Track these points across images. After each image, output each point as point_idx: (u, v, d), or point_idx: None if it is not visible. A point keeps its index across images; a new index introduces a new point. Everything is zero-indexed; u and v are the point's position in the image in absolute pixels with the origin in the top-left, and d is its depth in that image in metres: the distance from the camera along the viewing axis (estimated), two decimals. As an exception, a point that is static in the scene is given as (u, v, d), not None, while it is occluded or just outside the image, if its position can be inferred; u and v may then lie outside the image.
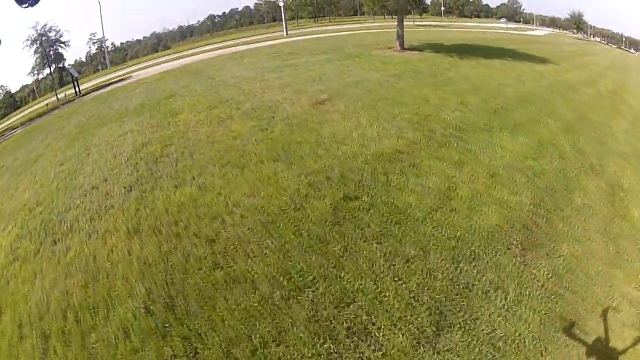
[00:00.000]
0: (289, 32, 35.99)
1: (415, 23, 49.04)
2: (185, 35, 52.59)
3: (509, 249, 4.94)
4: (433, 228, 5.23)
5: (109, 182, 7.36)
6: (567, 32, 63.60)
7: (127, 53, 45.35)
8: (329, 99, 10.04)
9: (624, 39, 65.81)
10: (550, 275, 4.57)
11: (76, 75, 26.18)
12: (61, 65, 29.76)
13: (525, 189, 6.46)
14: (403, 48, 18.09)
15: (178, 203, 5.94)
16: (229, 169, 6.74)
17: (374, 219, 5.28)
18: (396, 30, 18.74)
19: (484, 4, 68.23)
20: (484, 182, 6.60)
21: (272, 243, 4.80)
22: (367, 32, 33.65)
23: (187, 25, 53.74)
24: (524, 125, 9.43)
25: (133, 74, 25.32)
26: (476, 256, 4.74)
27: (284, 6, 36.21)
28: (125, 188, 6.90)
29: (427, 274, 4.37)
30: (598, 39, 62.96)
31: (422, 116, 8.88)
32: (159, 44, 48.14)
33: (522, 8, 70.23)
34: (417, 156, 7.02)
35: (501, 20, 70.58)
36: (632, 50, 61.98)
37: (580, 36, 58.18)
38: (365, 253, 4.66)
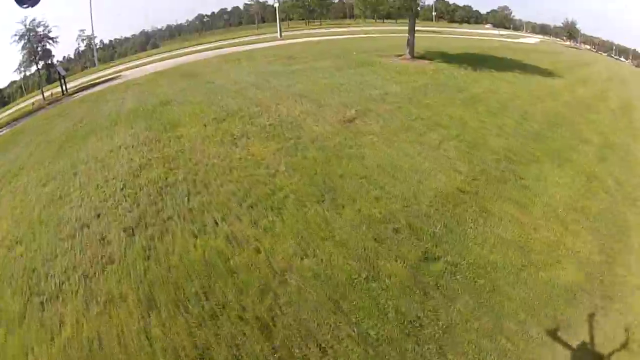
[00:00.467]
0: (282, 34, 34.76)
1: None
2: (174, 34, 51.95)
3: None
4: (525, 292, 4.38)
5: (102, 219, 5.88)
6: (557, 39, 65.42)
7: (116, 50, 43.90)
8: (358, 115, 8.88)
9: (614, 47, 68.38)
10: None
11: (63, 73, 24.29)
12: (49, 62, 28.09)
13: (589, 235, 5.74)
14: (413, 56, 17.17)
15: (202, 261, 4.59)
16: (261, 210, 5.43)
17: (463, 286, 4.23)
18: (402, 36, 17.87)
19: (474, 9, 69.26)
20: (551, 228, 5.72)
21: (351, 330, 3.60)
22: (363, 37, 32.72)
23: (175, 24, 53.70)
24: (563, 152, 8.70)
25: (122, 73, 23.57)
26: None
27: (278, 7, 34.74)
28: (124, 231, 5.46)
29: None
30: (587, 47, 64.95)
31: (467, 143, 7.88)
32: (148, 42, 47.15)
33: (512, 14, 71.75)
34: (481, 197, 5.99)
35: (486, 26, 71.43)
36: (622, 59, 64.27)
37: (572, 44, 59.70)
38: (467, 336, 3.64)
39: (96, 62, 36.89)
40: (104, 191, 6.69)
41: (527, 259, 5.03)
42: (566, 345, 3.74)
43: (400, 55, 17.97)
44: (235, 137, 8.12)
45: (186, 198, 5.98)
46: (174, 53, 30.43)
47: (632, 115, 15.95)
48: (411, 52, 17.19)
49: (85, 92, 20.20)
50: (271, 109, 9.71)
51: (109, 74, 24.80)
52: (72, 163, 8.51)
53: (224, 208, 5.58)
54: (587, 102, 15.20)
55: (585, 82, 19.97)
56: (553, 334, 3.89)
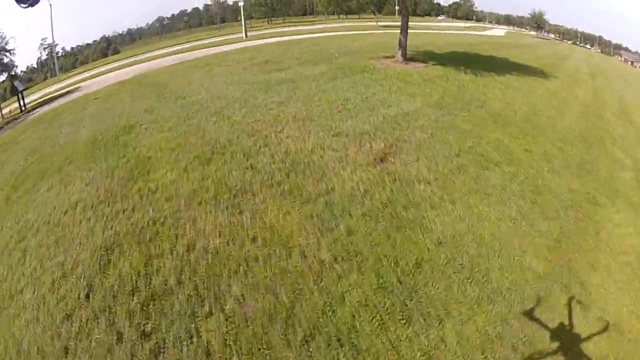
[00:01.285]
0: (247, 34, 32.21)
1: (379, 23, 47.19)
2: (135, 37, 51.23)
3: None
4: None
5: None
6: (522, 29, 67.31)
7: (77, 58, 42.88)
8: (390, 150, 6.98)
9: (579, 35, 71.82)
10: None
11: (20, 88, 21.76)
12: (13, 73, 27.79)
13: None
14: (405, 59, 15.53)
15: None
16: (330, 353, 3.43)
17: None
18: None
19: (434, 2, 69.40)
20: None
21: None
22: (335, 35, 30.63)
23: (136, 27, 53.26)
24: (611, 184, 7.53)
25: (82, 84, 21.09)
26: None
27: (242, 6, 32.10)
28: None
29: None
30: (553, 36, 67.56)
31: (530, 187, 6.27)
32: (108, 47, 46.21)
33: (475, 6, 72.97)
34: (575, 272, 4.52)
35: (439, 18, 71.75)
36: (588, 46, 67.65)
37: (539, 34, 61.42)
38: None
39: (57, 71, 35.59)
40: (64, 299, 4.29)
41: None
42: None
43: (390, 57, 16.29)
44: (234, 192, 5.88)
45: (188, 325, 3.78)
46: (136, 59, 28.27)
47: (632, 119, 15.57)
48: (404, 54, 15.52)
49: (43, 109, 17.39)
50: (272, 141, 7.53)
51: (70, 85, 22.53)
52: (19, 230, 6.03)
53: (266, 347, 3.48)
54: (592, 109, 14.49)
55: (576, 82, 19.52)
56: None
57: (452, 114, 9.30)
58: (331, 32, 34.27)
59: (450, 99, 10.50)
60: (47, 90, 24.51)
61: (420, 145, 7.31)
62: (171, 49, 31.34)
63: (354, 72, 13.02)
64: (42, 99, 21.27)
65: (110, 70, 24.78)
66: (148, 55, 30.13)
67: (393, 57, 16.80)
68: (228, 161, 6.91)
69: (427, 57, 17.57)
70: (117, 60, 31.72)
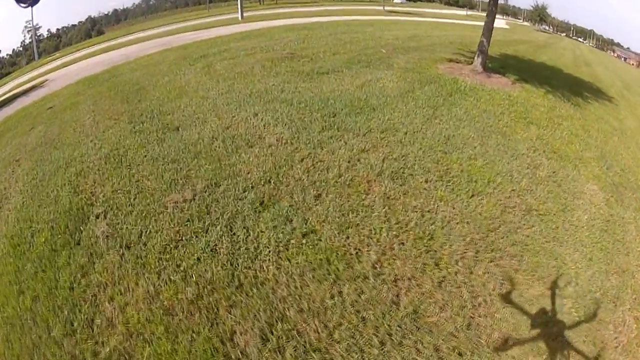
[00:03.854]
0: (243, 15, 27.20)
1: (386, 8, 42.25)
2: (120, 18, 48.74)
3: None
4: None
5: None
6: (517, 20, 63.99)
7: (61, 40, 40.22)
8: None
9: (572, 28, 69.81)
10: None
11: None
12: None
13: None
14: (485, 69, 11.63)
15: None
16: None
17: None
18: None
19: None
20: None
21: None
22: (348, 20, 25.79)
23: (122, 8, 50.80)
24: None
25: (51, 75, 17.06)
26: None
27: None
28: None
29: None
30: (550, 29, 65.18)
31: None
32: (93, 28, 43.93)
33: None
34: None
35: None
36: (581, 39, 65.74)
37: (541, 27, 58.48)
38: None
39: (36, 56, 33.14)
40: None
41: None
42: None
43: (455, 62, 12.43)
44: None
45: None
46: (117, 42, 24.74)
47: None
48: (484, 62, 11.58)
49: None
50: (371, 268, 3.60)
51: (40, 75, 18.69)
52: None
53: None
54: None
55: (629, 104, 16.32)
56: None
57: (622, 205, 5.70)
58: (337, 15, 29.39)
59: (594, 159, 6.89)
60: (19, 80, 20.45)
61: None
62: (155, 31, 26.93)
63: (440, 91, 8.92)
64: (6, 96, 16.60)
65: (85, 57, 20.32)
66: (130, 37, 26.08)
67: (458, 61, 12.93)
68: None
69: (500, 64, 13.78)
70: (96, 44, 28.00)
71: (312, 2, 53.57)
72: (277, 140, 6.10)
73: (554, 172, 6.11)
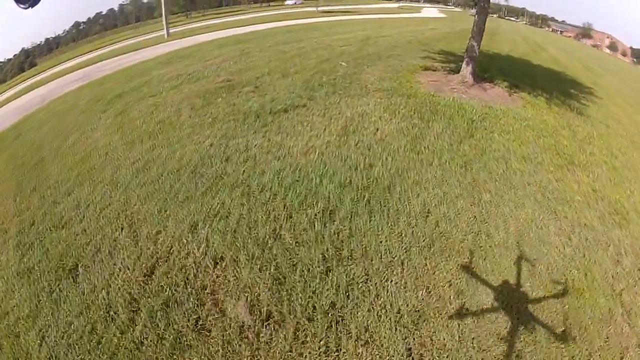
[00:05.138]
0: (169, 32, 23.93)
1: (319, 8, 39.49)
2: (52, 47, 48.27)
3: None
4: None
5: None
6: (449, 6, 64.11)
7: None
8: None
9: (503, 8, 72.19)
10: None
11: None
12: None
13: None
14: (476, 79, 9.55)
15: None
16: None
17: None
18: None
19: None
20: None
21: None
22: (280, 26, 23.01)
23: (53, 36, 50.85)
24: None
25: None
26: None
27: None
28: None
29: None
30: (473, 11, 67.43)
31: None
32: (25, 61, 42.57)
33: None
34: None
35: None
36: (514, 19, 67.11)
37: (471, 11, 59.38)
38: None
39: None
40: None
41: None
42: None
43: (433, 70, 10.32)
44: None
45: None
46: (39, 78, 22.95)
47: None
48: (474, 71, 9.50)
49: None
50: None
51: None
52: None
53: None
54: None
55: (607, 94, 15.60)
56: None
57: None
58: (272, 22, 26.61)
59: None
60: None
61: None
62: (79, 60, 24.60)
63: (455, 129, 6.59)
64: None
65: (14, 97, 18.70)
66: (55, 69, 24.02)
67: (434, 69, 10.83)
68: None
69: (490, 70, 11.80)
70: (27, 79, 26.92)
71: (240, 11, 52.29)
72: (247, 315, 3.19)
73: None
